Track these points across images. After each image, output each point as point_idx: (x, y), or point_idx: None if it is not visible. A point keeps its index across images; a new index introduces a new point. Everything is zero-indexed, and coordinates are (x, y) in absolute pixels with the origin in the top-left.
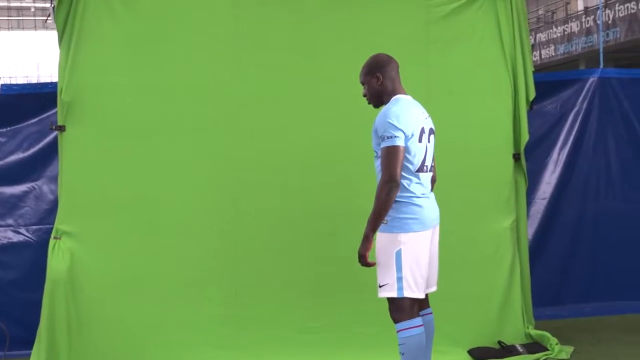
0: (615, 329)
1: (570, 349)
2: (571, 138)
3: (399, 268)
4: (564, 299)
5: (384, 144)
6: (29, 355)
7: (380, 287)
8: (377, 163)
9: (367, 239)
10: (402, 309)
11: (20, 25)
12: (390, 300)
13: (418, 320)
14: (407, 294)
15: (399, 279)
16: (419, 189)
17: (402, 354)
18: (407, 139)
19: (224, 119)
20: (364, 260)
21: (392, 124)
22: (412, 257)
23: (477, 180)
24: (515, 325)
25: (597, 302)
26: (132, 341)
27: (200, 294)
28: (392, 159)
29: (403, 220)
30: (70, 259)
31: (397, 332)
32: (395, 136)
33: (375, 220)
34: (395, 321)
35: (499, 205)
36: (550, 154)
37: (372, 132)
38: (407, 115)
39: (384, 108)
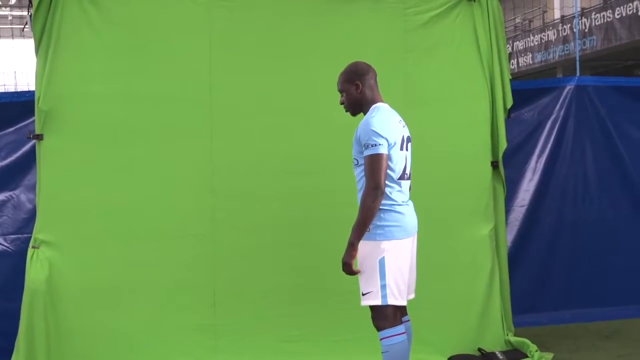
0: (595, 336)
1: (549, 355)
2: (549, 145)
3: (382, 276)
4: (543, 306)
5: (367, 152)
6: None
7: (363, 295)
8: (358, 171)
9: (352, 247)
10: (385, 316)
11: None
12: (374, 308)
13: (401, 328)
14: (391, 301)
15: (383, 287)
16: (400, 197)
17: None
18: (390, 147)
19: (201, 127)
20: (349, 268)
21: (376, 132)
22: (395, 265)
23: (455, 188)
24: (495, 332)
25: (576, 309)
26: (110, 351)
27: (178, 302)
28: (376, 166)
29: (386, 227)
30: (49, 268)
31: (381, 339)
32: (379, 144)
33: (361, 228)
34: (379, 329)
35: (477, 213)
36: (528, 162)
37: (354, 140)
38: (390, 124)
39: (366, 116)
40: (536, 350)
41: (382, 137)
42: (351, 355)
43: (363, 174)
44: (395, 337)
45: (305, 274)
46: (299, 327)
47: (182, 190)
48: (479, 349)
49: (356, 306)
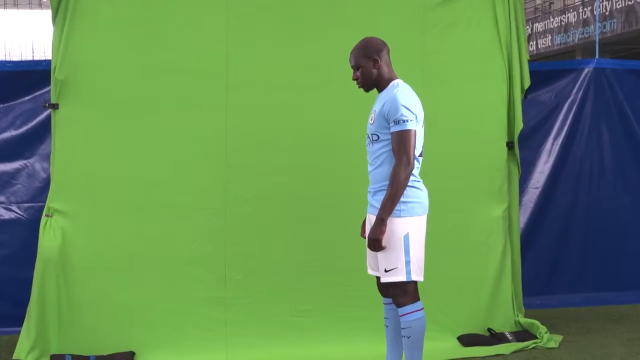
0: (605, 319)
1: (559, 337)
2: (565, 128)
3: (407, 252)
4: (555, 288)
5: (397, 128)
6: (19, 331)
7: (386, 271)
8: (376, 147)
9: (383, 223)
10: (407, 292)
11: (15, 3)
12: (396, 284)
13: (421, 304)
14: (414, 277)
15: (407, 263)
16: (417, 173)
17: (408, 337)
18: (416, 123)
19: (217, 101)
20: (379, 244)
21: (407, 108)
22: (417, 241)
23: (470, 168)
24: (505, 313)
25: (588, 293)
26: (120, 320)
27: (189, 275)
28: (408, 142)
29: (409, 204)
30: (62, 237)
31: (401, 316)
32: (409, 120)
33: (392, 204)
34: (400, 305)
35: (491, 193)
36: (544, 144)
37: (377, 115)
38: (416, 100)
39: (390, 92)
40: (546, 332)
41: (412, 112)
42: (360, 331)
43: (385, 149)
44: (417, 312)
45: (317, 249)
46: (308, 301)
47: (196, 163)
48: (489, 330)
49: (366, 282)
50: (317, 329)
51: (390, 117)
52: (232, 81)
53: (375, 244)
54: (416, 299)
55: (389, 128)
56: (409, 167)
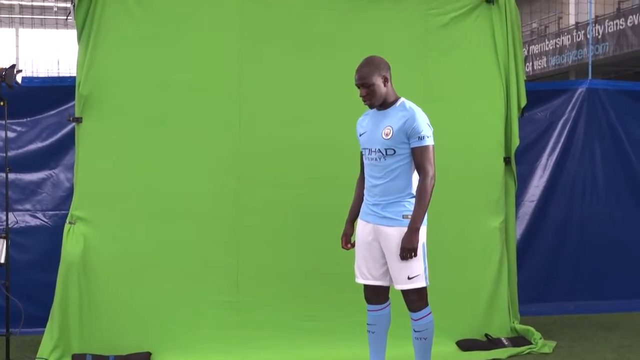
0: (597, 326)
1: (553, 343)
2: (559, 144)
3: (424, 259)
4: (549, 296)
5: (421, 143)
6: (42, 332)
7: (410, 278)
8: (391, 160)
9: (418, 232)
10: (423, 297)
11: (42, 23)
12: (414, 290)
13: (430, 307)
14: (428, 282)
15: (425, 269)
16: None
17: (424, 339)
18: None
19: (230, 116)
20: (415, 252)
21: (428, 124)
22: (426, 248)
23: (469, 182)
24: (501, 319)
25: (580, 301)
26: (138, 322)
27: (202, 280)
28: (432, 156)
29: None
30: (84, 243)
31: (417, 320)
32: (431, 135)
33: (424, 214)
34: (417, 310)
35: (489, 206)
36: (539, 159)
37: (397, 131)
38: None
39: (412, 110)
40: (540, 338)
41: (431, 128)
42: (365, 334)
43: (401, 163)
44: (430, 315)
45: (323, 257)
46: (315, 307)
47: (210, 174)
48: (486, 335)
49: None
50: (324, 333)
51: (414, 134)
52: (245, 97)
53: (412, 253)
54: (427, 302)
55: (408, 143)
56: (433, 179)
